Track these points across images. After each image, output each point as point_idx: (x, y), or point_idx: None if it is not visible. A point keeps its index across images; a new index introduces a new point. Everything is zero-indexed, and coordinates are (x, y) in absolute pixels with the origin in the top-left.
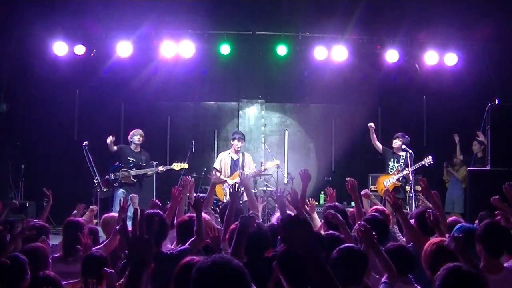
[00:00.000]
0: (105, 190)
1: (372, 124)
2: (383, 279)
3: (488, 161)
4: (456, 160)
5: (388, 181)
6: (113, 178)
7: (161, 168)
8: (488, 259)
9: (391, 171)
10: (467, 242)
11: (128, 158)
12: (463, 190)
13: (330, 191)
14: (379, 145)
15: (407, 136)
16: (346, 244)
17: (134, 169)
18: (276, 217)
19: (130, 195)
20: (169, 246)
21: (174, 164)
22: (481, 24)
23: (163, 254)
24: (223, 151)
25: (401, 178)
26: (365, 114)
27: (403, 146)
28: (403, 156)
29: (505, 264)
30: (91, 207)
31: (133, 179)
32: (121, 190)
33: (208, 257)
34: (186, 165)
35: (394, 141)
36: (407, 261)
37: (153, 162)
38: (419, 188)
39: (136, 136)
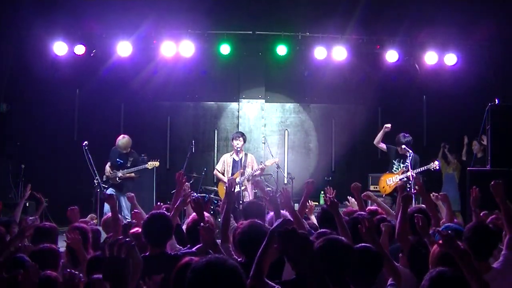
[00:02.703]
0: (105, 190)
1: (388, 125)
2: (389, 281)
3: (488, 161)
4: (454, 159)
5: (391, 180)
6: (100, 181)
7: (131, 174)
8: (476, 261)
9: (395, 171)
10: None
11: (117, 159)
12: (457, 188)
13: (330, 191)
14: (383, 146)
15: (408, 135)
16: (362, 244)
17: (120, 169)
18: (270, 215)
19: (126, 194)
20: (178, 246)
21: (148, 163)
22: (481, 24)
23: (167, 255)
24: (225, 153)
25: (405, 178)
26: (365, 114)
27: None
28: (409, 156)
29: (493, 265)
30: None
31: (118, 180)
32: (110, 189)
33: (203, 257)
34: (157, 163)
35: (398, 149)
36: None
37: (144, 157)
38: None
39: (119, 143)
